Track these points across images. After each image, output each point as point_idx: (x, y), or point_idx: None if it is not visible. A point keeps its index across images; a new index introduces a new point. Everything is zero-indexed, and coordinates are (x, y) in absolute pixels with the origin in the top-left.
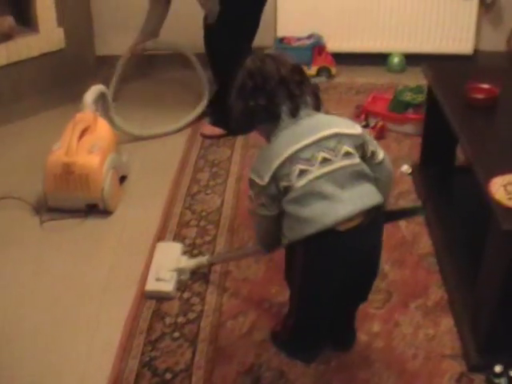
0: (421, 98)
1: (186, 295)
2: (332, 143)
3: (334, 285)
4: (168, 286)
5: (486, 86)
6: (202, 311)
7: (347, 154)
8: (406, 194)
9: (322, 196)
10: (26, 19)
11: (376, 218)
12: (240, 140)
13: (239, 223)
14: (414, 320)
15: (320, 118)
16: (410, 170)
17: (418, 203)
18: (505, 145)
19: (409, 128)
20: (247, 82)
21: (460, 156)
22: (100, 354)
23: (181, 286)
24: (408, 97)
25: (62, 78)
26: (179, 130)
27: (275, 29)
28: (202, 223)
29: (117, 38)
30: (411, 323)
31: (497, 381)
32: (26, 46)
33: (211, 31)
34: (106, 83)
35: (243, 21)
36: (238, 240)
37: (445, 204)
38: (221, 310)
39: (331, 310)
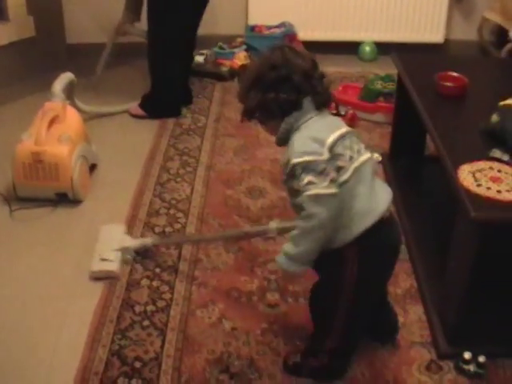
0: (391, 86)
1: (155, 283)
2: (347, 141)
3: (386, 277)
4: (113, 266)
5: (455, 74)
6: (171, 299)
7: (360, 151)
8: None
9: (366, 186)
10: None
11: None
12: (210, 129)
13: (208, 212)
14: None
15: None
16: (379, 159)
17: None
18: (474, 134)
19: (379, 117)
20: (269, 73)
21: (430, 145)
22: (69, 343)
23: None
24: (379, 85)
25: (32, 67)
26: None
27: (246, 17)
28: (172, 211)
29: (88, 26)
30: None
31: (466, 367)
32: None
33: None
34: (77, 72)
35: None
36: (207, 228)
37: (414, 193)
38: (190, 299)
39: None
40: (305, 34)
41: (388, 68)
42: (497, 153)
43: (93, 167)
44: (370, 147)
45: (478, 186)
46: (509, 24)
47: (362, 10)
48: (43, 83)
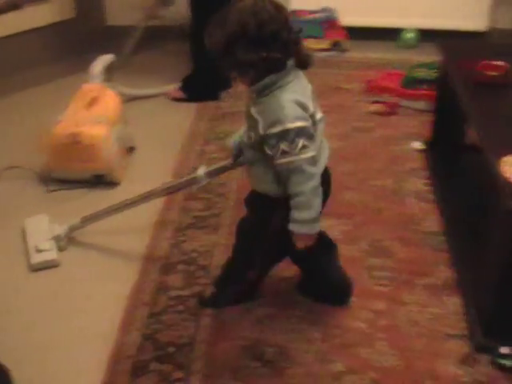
0: (435, 74)
1: (191, 268)
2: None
3: None
4: (52, 255)
5: (498, 63)
6: (206, 284)
7: (317, 108)
8: (417, 171)
9: (319, 140)
10: None
11: None
12: None
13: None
14: (421, 299)
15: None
16: (422, 147)
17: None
18: None
19: (422, 104)
20: (258, 30)
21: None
22: (103, 327)
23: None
24: (422, 72)
25: (71, 48)
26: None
27: (288, 1)
28: (209, 196)
29: (127, 8)
30: (417, 302)
31: (502, 362)
32: (36, 16)
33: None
34: (116, 54)
35: None
36: (243, 212)
37: (455, 182)
38: None
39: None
40: (346, 19)
41: (428, 55)
42: None
43: (130, 150)
44: (413, 134)
45: None
46: None
47: None
48: (82, 64)
